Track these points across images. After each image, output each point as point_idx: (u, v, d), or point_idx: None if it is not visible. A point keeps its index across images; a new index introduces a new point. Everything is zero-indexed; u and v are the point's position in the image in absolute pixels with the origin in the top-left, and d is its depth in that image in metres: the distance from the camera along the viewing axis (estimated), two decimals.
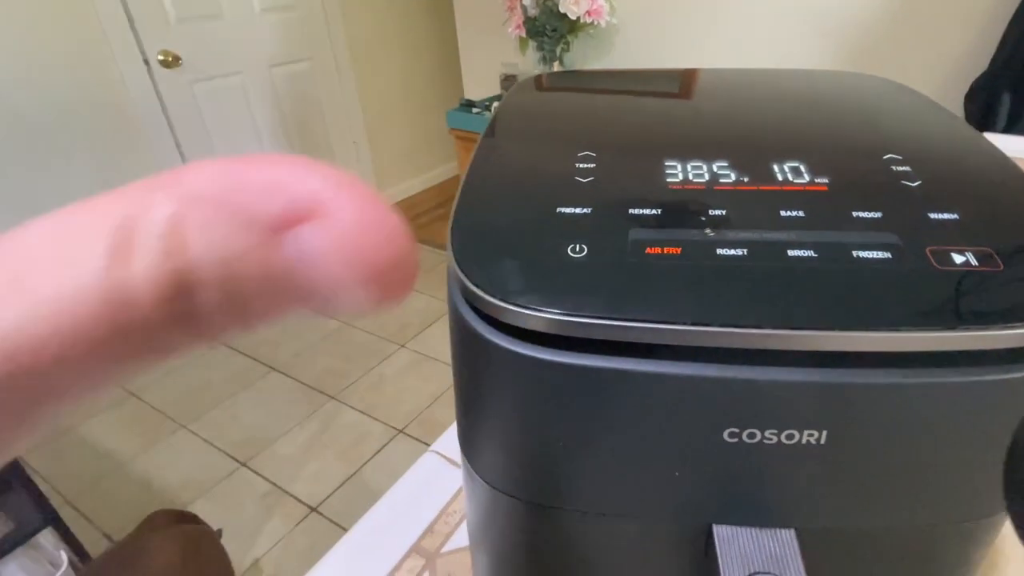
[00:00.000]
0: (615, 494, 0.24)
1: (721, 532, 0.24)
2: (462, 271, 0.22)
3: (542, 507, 0.25)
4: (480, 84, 2.42)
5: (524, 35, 1.95)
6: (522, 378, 0.22)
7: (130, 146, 2.09)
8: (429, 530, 0.42)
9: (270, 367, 2.00)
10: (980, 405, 0.21)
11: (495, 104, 2.09)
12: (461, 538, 0.41)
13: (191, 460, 1.67)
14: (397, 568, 0.40)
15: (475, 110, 2.12)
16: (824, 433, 0.21)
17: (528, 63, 2.12)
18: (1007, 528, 0.39)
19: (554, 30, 1.88)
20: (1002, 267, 0.21)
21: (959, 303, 0.20)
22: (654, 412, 0.21)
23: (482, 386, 0.24)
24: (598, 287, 0.21)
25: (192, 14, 2.14)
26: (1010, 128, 1.19)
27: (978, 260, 0.22)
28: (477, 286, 0.21)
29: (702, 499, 0.24)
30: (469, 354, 0.24)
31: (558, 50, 1.94)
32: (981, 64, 1.33)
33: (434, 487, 0.45)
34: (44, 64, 1.85)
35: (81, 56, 1.93)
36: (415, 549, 0.41)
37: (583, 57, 2.08)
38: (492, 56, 2.30)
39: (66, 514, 1.53)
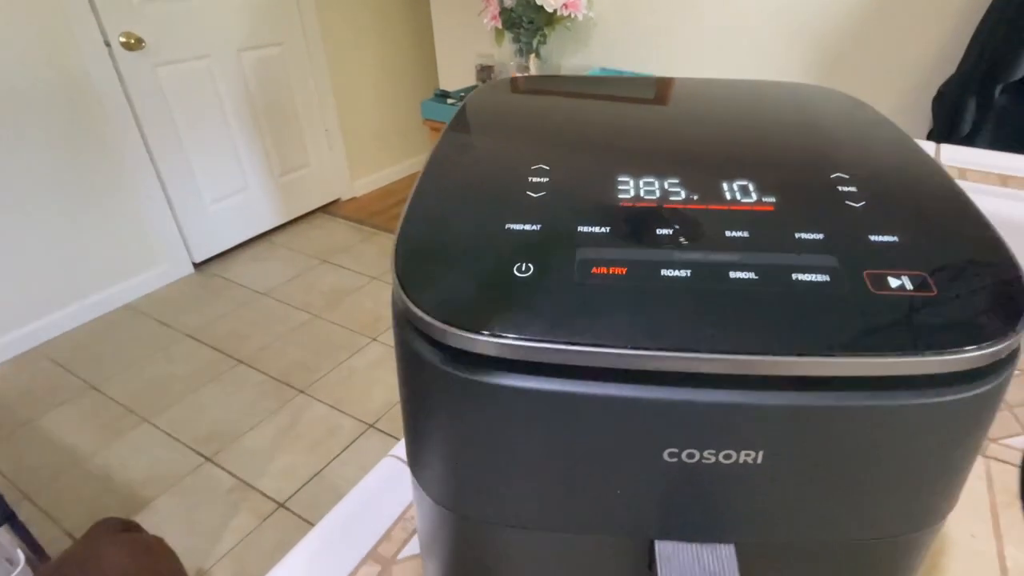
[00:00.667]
0: (557, 512, 0.24)
1: (663, 548, 0.24)
2: (404, 291, 0.22)
3: (487, 523, 0.25)
4: (455, 75, 2.40)
5: (500, 26, 1.93)
6: (464, 400, 0.22)
7: (91, 132, 2.02)
8: (386, 536, 0.42)
9: (237, 360, 1.97)
10: (912, 427, 0.22)
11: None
12: (417, 545, 0.41)
13: (154, 455, 1.64)
14: (353, 574, 0.40)
15: (450, 101, 2.10)
16: (761, 453, 0.22)
17: (504, 54, 2.11)
18: (949, 535, 0.41)
19: (531, 22, 1.87)
20: (936, 292, 0.22)
21: (893, 328, 0.21)
22: (595, 433, 0.22)
23: (426, 405, 0.24)
24: (541, 310, 0.21)
25: None
26: (975, 131, 1.22)
27: (913, 285, 0.22)
28: (419, 307, 0.21)
29: (643, 516, 0.24)
30: (413, 373, 0.23)
31: (534, 42, 1.93)
32: (948, 68, 1.37)
33: (392, 492, 0.45)
34: None
35: (38, 38, 1.85)
36: (371, 555, 0.41)
37: (560, 50, 2.08)
38: (468, 47, 2.28)
39: (25, 509, 1.49)
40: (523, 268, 0.22)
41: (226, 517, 1.46)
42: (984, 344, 0.20)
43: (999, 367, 0.21)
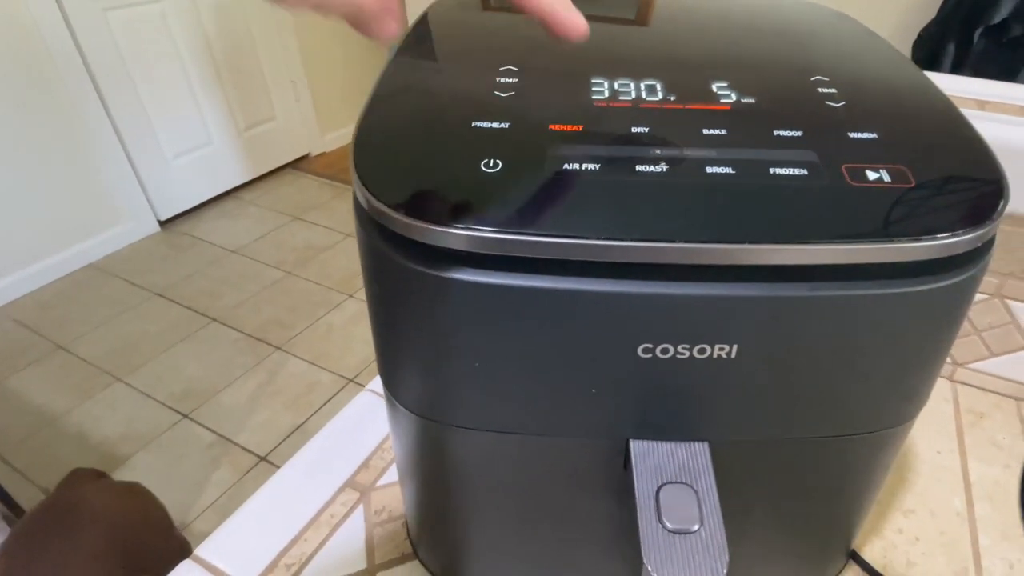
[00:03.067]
0: (533, 414, 0.24)
1: (637, 447, 0.24)
2: (367, 188, 0.20)
3: (463, 429, 0.25)
4: None
5: None
6: (434, 300, 0.21)
7: (42, 84, 1.91)
8: (364, 465, 0.42)
9: (210, 318, 1.93)
10: (887, 317, 0.22)
11: None
12: (396, 472, 0.41)
13: (129, 413, 1.62)
14: (331, 501, 0.40)
15: None
16: (735, 347, 0.21)
17: None
18: (916, 451, 0.42)
19: None
20: (913, 183, 0.22)
21: (868, 218, 0.20)
22: (568, 329, 0.21)
23: (393, 309, 0.23)
24: (510, 202, 0.20)
25: None
26: (954, 73, 1.23)
27: (891, 177, 0.22)
28: (382, 202, 0.20)
29: (619, 416, 0.24)
30: (379, 277, 0.23)
31: None
32: (929, 13, 1.35)
33: (369, 425, 0.45)
34: None
35: None
36: (349, 483, 0.41)
37: None
38: None
39: None
40: (491, 164, 0.21)
41: (207, 471, 1.46)
42: (960, 232, 0.20)
43: (974, 256, 0.21)
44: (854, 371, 0.23)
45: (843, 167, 0.22)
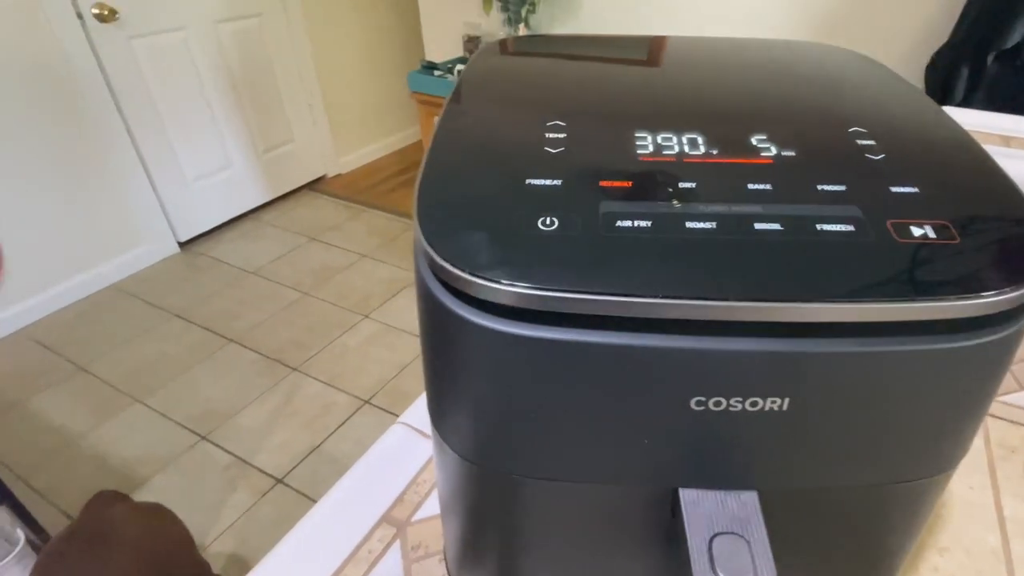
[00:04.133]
0: (584, 463, 0.24)
1: (687, 495, 0.24)
2: (429, 244, 0.21)
3: (512, 476, 0.25)
4: (442, 45, 2.35)
5: None
6: (491, 351, 0.22)
7: (68, 110, 1.96)
8: (399, 500, 0.42)
9: (228, 339, 1.95)
10: (933, 372, 0.22)
11: (458, 67, 2.04)
12: (431, 507, 0.42)
13: (148, 434, 1.63)
14: (368, 537, 0.40)
15: (437, 72, 2.07)
16: (787, 400, 0.22)
17: (492, 24, 2.07)
18: (949, 487, 0.42)
19: None
20: (958, 239, 0.22)
21: (916, 275, 0.21)
22: (622, 383, 0.22)
23: (450, 358, 0.24)
24: (569, 260, 0.21)
25: None
26: (968, 97, 1.23)
27: (936, 233, 0.22)
28: (445, 260, 0.21)
29: (669, 464, 0.24)
30: (437, 327, 0.23)
31: (523, 11, 1.89)
32: (942, 36, 1.37)
33: (403, 458, 0.45)
34: None
35: (8, 11, 1.78)
36: (385, 518, 0.41)
37: (550, 19, 2.04)
38: (454, 16, 2.23)
39: (20, 491, 1.48)
40: (547, 222, 0.22)
41: (224, 493, 1.46)
42: (1006, 289, 0.20)
43: (1018, 311, 0.22)
44: (899, 423, 0.23)
45: (888, 223, 0.23)
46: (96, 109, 2.03)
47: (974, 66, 1.17)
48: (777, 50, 0.37)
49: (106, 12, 1.96)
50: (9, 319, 2.00)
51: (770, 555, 0.23)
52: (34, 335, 2.01)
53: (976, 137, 0.44)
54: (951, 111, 0.46)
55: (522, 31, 1.92)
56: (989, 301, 0.20)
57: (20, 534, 1.17)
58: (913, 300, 0.20)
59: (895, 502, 0.27)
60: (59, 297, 2.10)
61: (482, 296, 0.21)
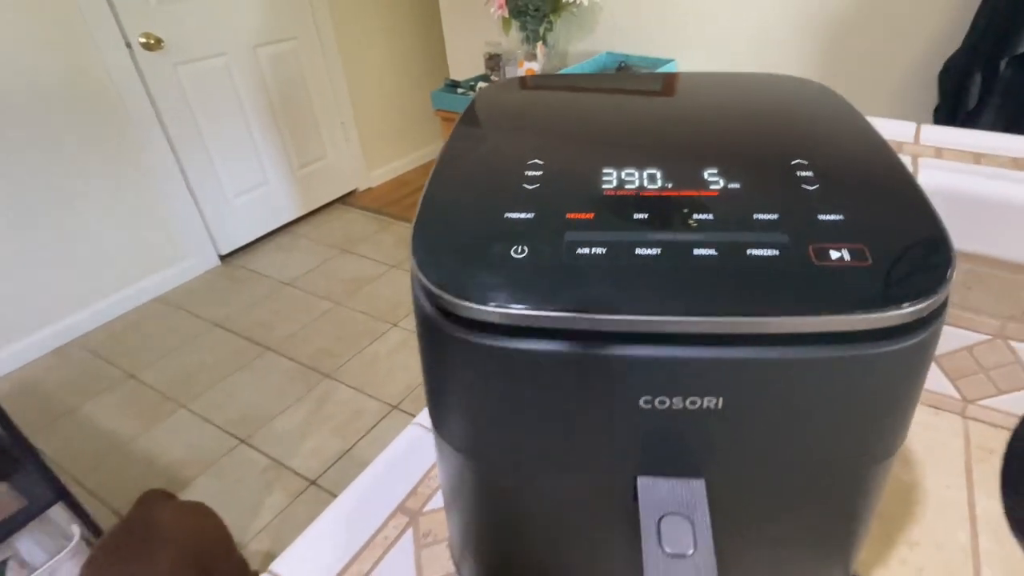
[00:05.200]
0: (556, 454, 0.29)
1: (643, 483, 0.28)
2: (422, 273, 0.26)
3: (498, 466, 0.30)
4: (465, 64, 2.42)
5: (507, 15, 1.95)
6: (474, 360, 0.27)
7: (117, 132, 2.10)
8: (413, 492, 0.47)
9: (264, 347, 2.05)
10: (847, 376, 0.26)
11: (479, 84, 2.10)
12: (440, 499, 0.47)
13: (191, 438, 1.73)
14: (384, 525, 0.45)
15: (459, 91, 2.13)
16: (721, 399, 0.26)
17: (512, 43, 2.13)
18: (924, 486, 0.44)
19: (536, 9, 1.89)
20: (870, 262, 0.26)
21: (830, 293, 0.25)
22: (580, 385, 0.26)
23: (441, 366, 0.28)
24: (533, 284, 0.25)
25: None
26: (980, 106, 1.23)
27: (851, 256, 0.26)
28: (434, 284, 0.26)
29: (627, 456, 0.28)
30: (431, 341, 0.28)
31: (541, 29, 1.95)
32: (954, 43, 1.36)
33: (417, 455, 0.50)
34: (21, 50, 1.85)
35: (59, 40, 1.92)
36: (399, 509, 0.46)
37: (566, 36, 2.09)
38: (476, 36, 2.30)
39: (73, 491, 1.59)
40: (519, 250, 0.27)
41: (262, 494, 1.54)
42: (912, 303, 0.24)
43: (926, 322, 0.25)
44: (829, 421, 0.27)
45: (810, 247, 0.26)
46: (144, 132, 2.16)
47: (987, 72, 1.17)
48: (742, 85, 0.41)
49: (152, 41, 2.09)
50: (63, 330, 2.13)
51: (709, 534, 0.27)
52: (87, 345, 2.14)
53: (949, 155, 0.47)
54: (929, 129, 0.49)
55: (540, 48, 1.97)
56: (894, 314, 0.24)
57: (76, 530, 1.26)
58: (823, 315, 0.24)
59: (836, 490, 0.30)
60: (109, 309, 2.23)
61: (463, 315, 0.25)
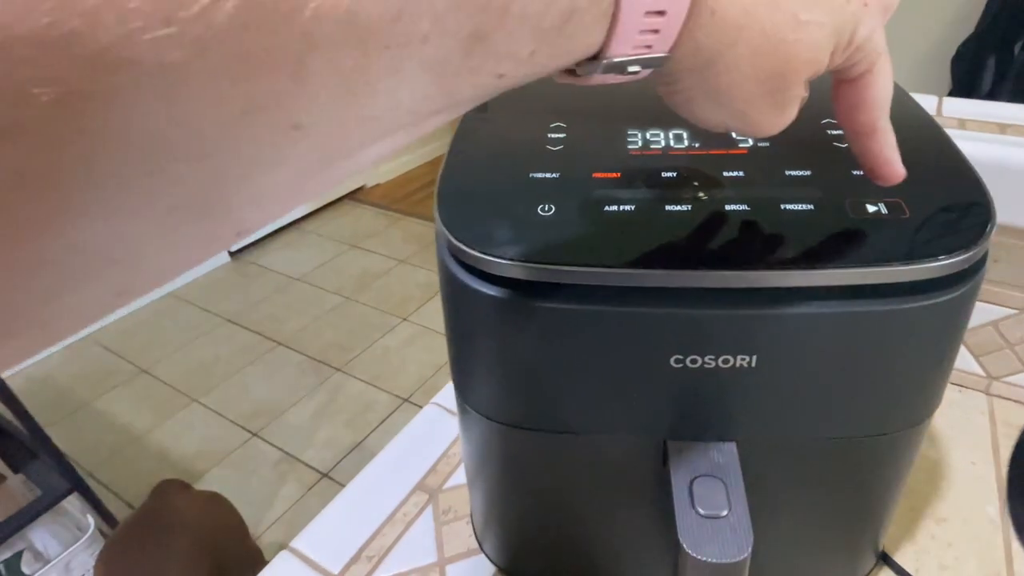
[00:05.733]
0: (585, 415, 0.28)
1: (673, 446, 0.28)
2: (447, 228, 0.26)
3: (526, 430, 0.29)
4: None
5: None
6: (500, 319, 0.26)
7: None
8: (432, 470, 0.47)
9: (275, 342, 2.05)
10: (883, 332, 0.25)
11: None
12: (459, 477, 0.46)
13: (204, 431, 1.73)
14: (404, 502, 0.45)
15: None
16: (754, 357, 0.25)
17: None
18: (950, 462, 0.44)
19: None
20: (908, 214, 0.25)
21: (868, 245, 0.24)
22: (611, 344, 0.26)
23: (469, 329, 0.28)
24: (563, 240, 0.25)
25: None
26: (994, 90, 1.21)
27: (888, 209, 0.25)
28: (460, 241, 0.25)
29: (658, 418, 0.28)
30: (457, 301, 0.28)
31: None
32: (967, 28, 1.34)
33: (436, 434, 0.50)
34: None
35: None
36: (419, 486, 0.46)
37: None
38: None
39: (89, 484, 1.60)
40: (546, 208, 0.26)
41: (275, 487, 1.54)
42: (950, 255, 0.23)
43: (965, 276, 0.25)
44: (864, 379, 0.26)
45: (846, 202, 0.26)
46: None
47: (1000, 56, 1.15)
48: None
49: None
50: None
51: (743, 495, 0.26)
52: (100, 340, 2.16)
53: (973, 126, 0.46)
54: (951, 101, 0.48)
55: None
56: (932, 266, 0.23)
57: (91, 520, 1.27)
58: (861, 267, 0.23)
59: (870, 455, 0.29)
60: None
61: (491, 271, 0.25)
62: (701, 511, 0.26)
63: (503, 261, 0.24)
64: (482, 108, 0.35)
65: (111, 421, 1.81)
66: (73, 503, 1.26)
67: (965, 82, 1.26)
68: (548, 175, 0.28)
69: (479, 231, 0.26)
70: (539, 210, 0.26)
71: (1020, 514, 0.40)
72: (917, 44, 1.53)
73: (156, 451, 1.69)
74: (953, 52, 1.33)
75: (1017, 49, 1.12)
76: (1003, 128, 0.45)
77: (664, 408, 0.27)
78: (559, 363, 0.27)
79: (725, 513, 0.26)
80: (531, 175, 0.28)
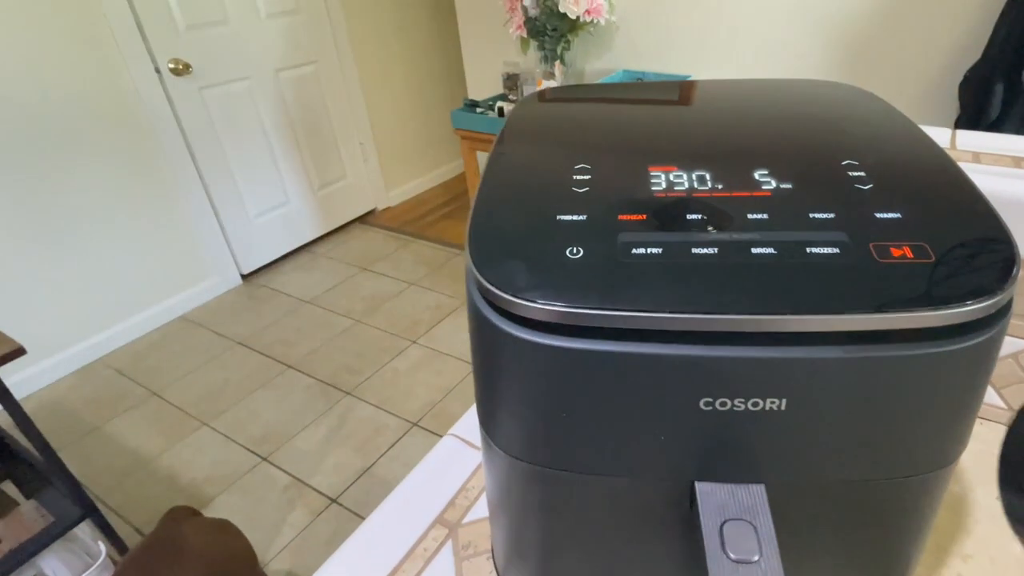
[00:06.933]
0: (613, 457, 0.28)
1: (702, 488, 0.28)
2: (478, 272, 0.26)
3: (552, 471, 0.30)
4: (483, 84, 2.46)
5: (525, 35, 1.98)
6: (530, 361, 0.27)
7: (145, 154, 2.15)
8: (451, 504, 0.47)
9: (286, 365, 2.06)
10: (911, 376, 0.25)
11: (498, 104, 2.13)
12: (479, 510, 0.46)
13: (214, 456, 1.73)
14: (423, 537, 0.45)
15: (479, 110, 2.16)
16: (784, 401, 0.25)
17: (530, 62, 2.15)
18: (974, 498, 0.43)
19: (554, 29, 1.92)
20: (933, 258, 0.25)
21: (893, 290, 0.24)
22: (640, 386, 0.26)
23: (496, 367, 0.28)
24: (592, 283, 0.25)
25: (199, 21, 2.19)
26: (1002, 116, 1.22)
27: (914, 253, 0.26)
28: (491, 284, 0.26)
29: (685, 460, 0.28)
30: (485, 342, 0.28)
31: (559, 49, 1.97)
32: (974, 55, 1.36)
33: (454, 467, 0.50)
34: (57, 74, 1.91)
35: (94, 66, 1.98)
36: (439, 520, 0.46)
37: (584, 55, 2.11)
38: (494, 56, 2.33)
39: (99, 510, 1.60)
40: (574, 251, 0.27)
41: (283, 512, 1.53)
42: (976, 300, 0.24)
43: (992, 320, 0.25)
44: (891, 422, 0.26)
45: (871, 245, 0.26)
46: (171, 154, 2.21)
47: (1008, 83, 1.16)
48: (784, 89, 0.41)
49: (180, 67, 2.15)
50: (88, 349, 2.17)
51: (774, 539, 0.26)
52: (111, 363, 2.17)
53: (987, 159, 0.47)
54: (964, 134, 0.49)
55: (558, 67, 1.99)
56: (958, 311, 0.24)
57: (101, 547, 1.26)
58: (888, 312, 0.24)
59: (898, 497, 0.29)
60: (134, 328, 2.26)
61: (520, 313, 0.25)
62: (732, 556, 0.26)
63: (533, 304, 0.25)
64: (508, 147, 0.36)
65: (121, 445, 1.82)
66: (84, 529, 1.26)
67: (972, 108, 1.27)
68: (575, 217, 0.28)
69: (509, 273, 0.26)
70: (568, 252, 0.26)
71: (1013, 501, 0.40)
72: (925, 70, 1.55)
73: (166, 475, 1.69)
74: (960, 78, 1.35)
75: (1023, 76, 1.13)
76: (1018, 162, 0.45)
77: (693, 450, 0.27)
78: (588, 406, 0.27)
79: (756, 558, 0.26)
80: (558, 217, 0.28)
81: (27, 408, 1.98)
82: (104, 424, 1.90)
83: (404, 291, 2.43)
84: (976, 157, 0.47)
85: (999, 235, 0.26)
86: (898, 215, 0.28)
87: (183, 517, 1.13)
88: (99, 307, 2.16)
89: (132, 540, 1.49)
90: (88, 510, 1.17)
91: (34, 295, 2.00)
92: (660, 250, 0.26)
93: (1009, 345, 0.48)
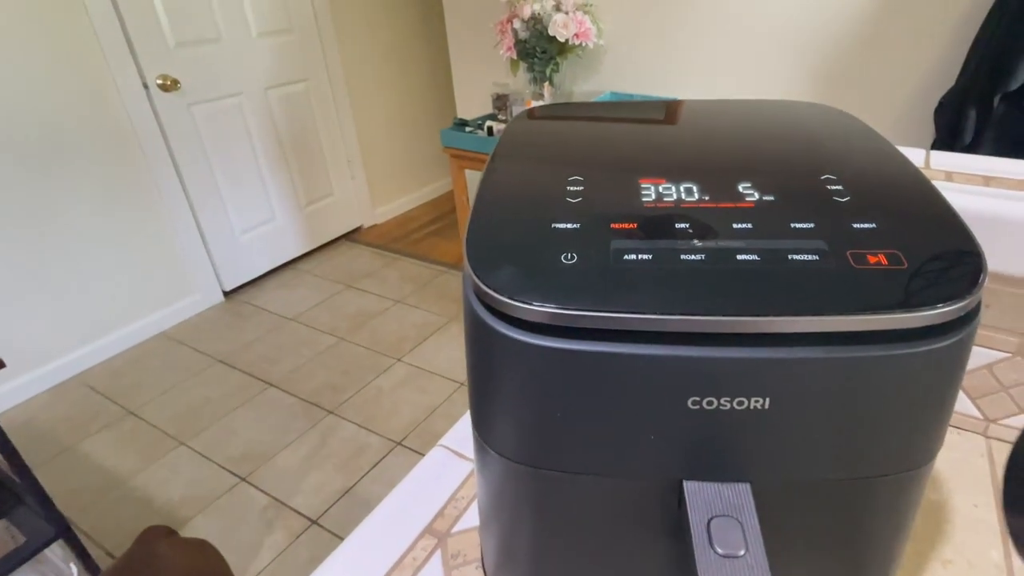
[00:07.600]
0: (605, 457, 0.29)
1: (690, 486, 0.29)
2: (475, 275, 0.27)
3: (544, 470, 0.30)
4: (472, 103, 2.49)
5: (515, 57, 2.02)
6: (526, 363, 0.27)
7: (130, 169, 2.14)
8: (440, 513, 0.47)
9: (267, 383, 2.03)
10: (892, 374, 0.26)
11: (488, 123, 2.16)
12: (468, 520, 0.46)
13: (191, 476, 1.69)
14: (412, 547, 0.44)
15: (468, 129, 2.19)
16: (767, 399, 0.27)
17: (519, 83, 2.20)
18: (953, 505, 0.44)
19: (544, 52, 1.96)
20: (906, 265, 0.27)
21: (870, 294, 0.26)
22: (632, 386, 0.27)
23: (493, 372, 0.29)
24: (585, 286, 0.26)
25: (190, 38, 2.20)
26: (976, 140, 1.27)
27: (888, 260, 0.27)
28: (489, 288, 0.27)
29: (675, 458, 0.29)
30: (482, 345, 0.29)
31: (548, 71, 2.02)
32: (948, 80, 1.42)
33: (443, 477, 0.50)
34: (44, 88, 1.90)
35: (82, 81, 1.98)
36: (427, 530, 0.46)
37: (572, 77, 2.16)
38: (484, 77, 2.38)
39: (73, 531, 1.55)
40: (568, 257, 0.28)
41: (261, 534, 1.50)
42: (945, 303, 0.25)
43: (962, 322, 0.26)
44: (868, 422, 0.27)
45: (848, 253, 0.27)
46: (156, 170, 2.20)
47: (981, 108, 1.21)
48: (765, 109, 0.43)
49: (169, 82, 2.15)
50: (64, 366, 2.12)
51: (760, 535, 0.27)
52: (87, 381, 2.12)
53: (960, 178, 0.49)
54: (938, 154, 0.51)
55: (547, 88, 2.03)
56: (930, 314, 0.25)
57: (73, 569, 1.22)
58: (864, 314, 0.25)
59: (876, 496, 0.30)
60: (112, 345, 2.22)
61: (515, 315, 0.26)
62: (719, 551, 0.26)
63: (528, 306, 0.26)
64: (504, 160, 0.37)
65: (95, 465, 1.77)
66: (55, 551, 1.22)
67: (947, 132, 1.32)
68: (570, 225, 0.30)
69: (505, 276, 0.27)
70: (562, 258, 0.28)
71: (1016, 523, 0.41)
72: (902, 95, 1.61)
73: (140, 497, 1.65)
74: (935, 103, 1.40)
75: (996, 101, 1.18)
76: (987, 180, 0.47)
77: (681, 449, 0.28)
78: (582, 406, 0.28)
79: (743, 553, 0.26)
80: (554, 225, 0.30)
81: None
82: (78, 443, 1.85)
83: (390, 308, 2.43)
84: (949, 176, 0.49)
85: (968, 245, 0.28)
86: (873, 225, 0.29)
87: (159, 537, 1.10)
88: (76, 323, 2.12)
89: (104, 563, 1.45)
90: (61, 530, 1.13)
91: (10, 310, 1.96)
92: (650, 256, 0.28)
93: (983, 356, 0.50)
